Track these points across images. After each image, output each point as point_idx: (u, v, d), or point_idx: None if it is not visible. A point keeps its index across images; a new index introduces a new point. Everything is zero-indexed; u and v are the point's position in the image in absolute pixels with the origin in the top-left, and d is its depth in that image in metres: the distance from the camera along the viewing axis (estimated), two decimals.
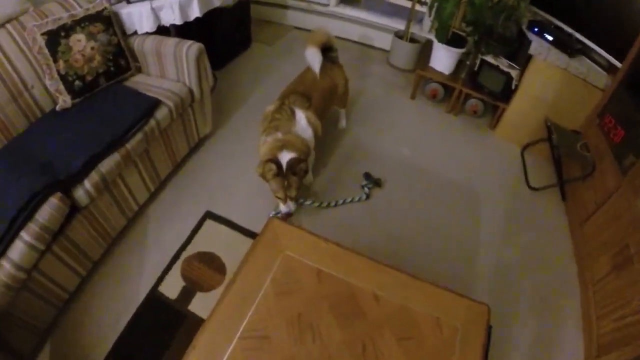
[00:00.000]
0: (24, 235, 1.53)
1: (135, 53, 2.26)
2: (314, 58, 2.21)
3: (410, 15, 3.04)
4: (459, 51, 2.75)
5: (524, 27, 2.53)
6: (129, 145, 1.90)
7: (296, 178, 1.90)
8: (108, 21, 2.05)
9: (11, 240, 1.52)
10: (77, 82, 1.98)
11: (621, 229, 1.78)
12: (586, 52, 2.35)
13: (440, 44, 2.76)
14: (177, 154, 2.36)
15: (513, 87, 2.53)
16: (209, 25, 2.85)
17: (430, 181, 2.48)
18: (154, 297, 1.91)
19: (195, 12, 2.39)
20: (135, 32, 2.28)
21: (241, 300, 1.27)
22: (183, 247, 2.10)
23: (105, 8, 2.05)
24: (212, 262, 2.03)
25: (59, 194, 1.62)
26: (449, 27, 2.67)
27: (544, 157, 2.58)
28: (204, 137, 2.62)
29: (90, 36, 1.97)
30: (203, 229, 2.18)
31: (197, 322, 1.81)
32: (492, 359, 1.34)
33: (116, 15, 2.16)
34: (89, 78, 2.02)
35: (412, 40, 3.21)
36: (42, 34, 1.86)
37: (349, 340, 1.18)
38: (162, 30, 2.34)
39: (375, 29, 3.52)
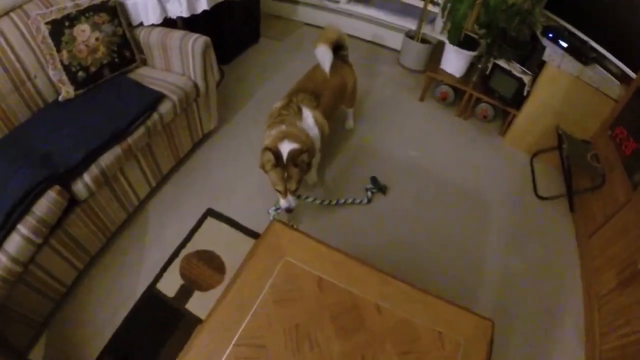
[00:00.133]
0: (21, 228, 1.51)
1: (140, 45, 2.22)
2: (324, 56, 2.16)
3: (422, 15, 2.98)
4: (471, 54, 2.70)
5: (538, 32, 2.47)
6: (130, 139, 1.87)
7: (297, 170, 1.81)
8: (113, 11, 2.01)
9: (8, 233, 1.50)
10: (80, 73, 1.95)
11: (629, 244, 1.73)
12: (600, 60, 2.28)
13: (452, 46, 2.70)
14: (180, 149, 2.33)
15: (525, 93, 2.48)
16: (217, 18, 2.80)
17: (437, 186, 2.43)
18: (152, 295, 1.89)
19: (202, 5, 2.34)
20: (142, 24, 2.24)
21: (239, 306, 1.24)
22: (183, 244, 2.07)
23: None
24: (211, 261, 2.01)
25: (57, 187, 1.60)
26: (462, 29, 2.62)
27: (553, 166, 2.53)
28: (208, 132, 2.58)
29: (95, 26, 1.94)
30: (204, 227, 2.15)
31: (194, 322, 1.79)
32: None
33: (122, 5, 2.12)
34: (92, 69, 1.98)
35: (424, 40, 3.15)
36: (46, 23, 1.82)
37: (348, 353, 1.15)
38: (169, 23, 2.30)
39: (386, 28, 3.47)
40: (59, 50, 1.87)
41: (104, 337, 1.76)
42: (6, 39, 1.84)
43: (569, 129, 2.35)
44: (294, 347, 1.14)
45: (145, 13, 2.18)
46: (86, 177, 1.70)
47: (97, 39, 1.95)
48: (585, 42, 2.31)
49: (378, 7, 3.44)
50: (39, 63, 1.95)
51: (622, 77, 2.20)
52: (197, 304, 1.85)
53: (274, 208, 2.09)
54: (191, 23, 2.58)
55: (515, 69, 2.49)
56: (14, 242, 1.49)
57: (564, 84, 2.32)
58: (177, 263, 2.00)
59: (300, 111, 1.98)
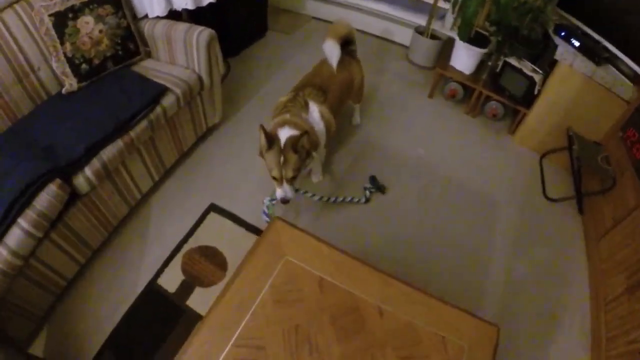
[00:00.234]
0: (22, 222, 1.50)
1: (145, 37, 2.20)
2: (332, 51, 2.12)
3: (432, 11, 2.93)
4: (481, 51, 2.65)
5: (550, 31, 2.41)
6: (133, 133, 1.85)
7: (296, 156, 1.72)
8: (117, 3, 1.98)
9: (8, 227, 1.49)
10: (83, 65, 1.93)
11: (638, 249, 1.70)
12: (613, 61, 2.22)
13: (462, 43, 2.65)
14: (183, 143, 2.31)
15: (536, 92, 2.43)
16: (223, 11, 2.77)
17: (443, 185, 2.39)
18: (153, 290, 1.88)
19: None
20: (147, 16, 2.21)
21: (238, 305, 1.21)
22: (185, 239, 2.06)
23: None
24: (213, 257, 1.99)
25: (58, 181, 1.58)
26: (472, 26, 2.56)
27: (562, 167, 2.48)
28: (212, 126, 2.56)
29: (99, 18, 1.91)
30: (206, 222, 2.14)
31: (194, 318, 1.78)
32: None
33: None
34: (96, 61, 1.96)
35: (433, 37, 3.10)
36: (50, 15, 1.80)
37: (347, 357, 1.12)
38: (175, 15, 2.27)
39: (395, 23, 3.41)
40: (62, 43, 1.85)
41: (104, 331, 1.76)
42: (10, 31, 1.82)
43: (580, 130, 2.30)
44: (292, 350, 1.12)
45: (150, 5, 2.15)
46: (87, 170, 1.69)
47: (100, 31, 1.93)
48: (598, 42, 2.25)
49: (388, 1, 3.38)
50: (42, 55, 1.93)
51: (635, 79, 2.14)
52: (198, 300, 1.84)
53: (269, 198, 1.94)
54: (197, 15, 2.55)
55: (526, 67, 2.44)
56: (15, 236, 1.48)
57: (575, 84, 2.26)
58: (178, 258, 1.98)
59: (306, 105, 1.95)
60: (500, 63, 2.59)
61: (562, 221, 2.26)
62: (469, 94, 2.83)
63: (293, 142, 1.72)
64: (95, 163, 1.72)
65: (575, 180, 2.29)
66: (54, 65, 1.91)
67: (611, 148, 2.20)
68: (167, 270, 1.94)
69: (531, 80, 2.41)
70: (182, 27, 2.09)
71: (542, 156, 2.55)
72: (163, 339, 1.74)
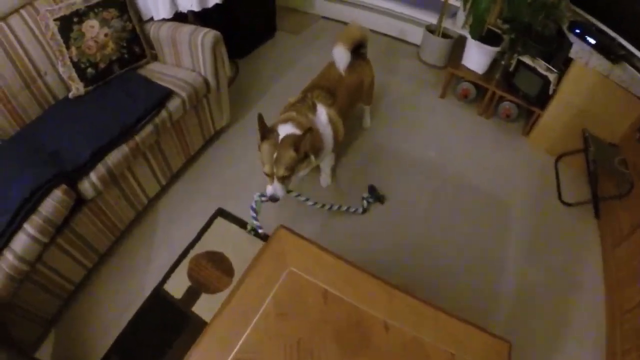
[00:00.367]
0: (28, 227, 1.50)
1: (151, 40, 2.18)
2: (341, 58, 2.05)
3: (443, 9, 2.86)
4: (494, 49, 2.58)
5: (564, 28, 2.33)
6: (138, 137, 1.84)
7: (292, 155, 1.66)
8: (122, 6, 1.97)
9: (14, 232, 1.49)
10: (89, 70, 1.92)
11: None
12: (630, 59, 2.13)
13: (474, 41, 2.58)
14: (190, 147, 2.29)
15: (550, 91, 2.35)
16: (230, 11, 2.74)
17: (455, 188, 2.34)
18: (159, 295, 1.87)
19: None
20: (152, 19, 2.20)
21: (240, 316, 1.19)
22: (192, 244, 2.05)
23: None
24: (220, 263, 1.97)
25: (63, 187, 1.58)
26: (484, 23, 2.49)
27: (578, 170, 2.40)
28: (220, 129, 2.53)
29: (104, 22, 1.90)
30: (213, 227, 2.12)
31: (200, 324, 1.77)
32: None
33: (131, 0, 2.07)
34: (101, 65, 1.95)
35: (445, 35, 3.03)
36: (55, 20, 1.80)
37: None
38: (181, 17, 2.25)
39: (405, 22, 3.35)
40: (68, 47, 1.85)
41: (111, 336, 1.76)
42: (16, 36, 1.83)
43: (596, 131, 2.22)
44: None
45: (155, 7, 2.13)
46: (93, 176, 1.68)
47: (106, 35, 1.92)
48: (613, 39, 2.17)
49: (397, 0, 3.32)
50: (49, 60, 1.93)
51: None
52: (204, 306, 1.83)
53: (259, 194, 1.84)
54: (203, 17, 2.52)
55: (541, 66, 2.36)
56: (21, 241, 1.48)
57: (591, 83, 2.19)
58: (185, 264, 1.97)
59: (314, 107, 1.91)
60: (514, 62, 2.51)
61: (578, 226, 2.19)
62: (482, 94, 2.76)
63: (292, 140, 1.67)
64: (101, 168, 1.71)
65: (591, 184, 2.21)
66: (61, 69, 1.90)
67: (628, 150, 2.12)
68: (173, 275, 1.93)
69: (545, 80, 2.34)
70: (187, 29, 2.07)
71: (557, 158, 2.47)
72: (169, 345, 1.73)
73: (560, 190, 2.32)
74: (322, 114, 1.91)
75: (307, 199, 2.02)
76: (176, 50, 2.15)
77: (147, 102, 1.87)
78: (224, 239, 2.07)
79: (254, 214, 1.85)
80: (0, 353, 1.32)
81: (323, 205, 2.08)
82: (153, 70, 2.14)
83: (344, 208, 2.12)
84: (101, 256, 1.92)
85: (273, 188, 1.72)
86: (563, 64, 2.32)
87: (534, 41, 2.38)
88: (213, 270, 1.94)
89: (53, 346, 1.75)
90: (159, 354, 1.70)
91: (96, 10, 1.88)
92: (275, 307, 1.20)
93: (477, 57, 2.69)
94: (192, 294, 1.87)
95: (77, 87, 1.93)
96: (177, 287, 1.89)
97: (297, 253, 1.32)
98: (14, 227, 1.49)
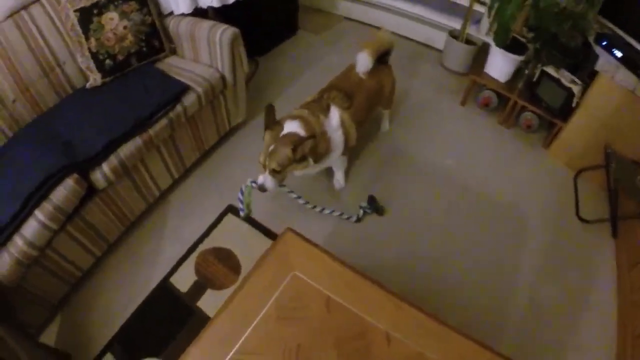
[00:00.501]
0: (38, 214, 1.52)
1: (170, 34, 2.19)
2: (363, 63, 2.02)
3: (467, 15, 2.80)
4: (518, 58, 2.51)
5: (590, 39, 2.25)
6: (152, 131, 1.85)
7: (287, 152, 1.65)
8: (142, 0, 1.98)
9: (25, 218, 1.52)
10: (107, 61, 1.94)
11: None
12: None
13: (498, 49, 2.52)
14: (205, 142, 2.30)
15: (573, 104, 2.28)
16: (252, 9, 2.73)
17: (471, 198, 2.28)
18: (165, 288, 1.88)
19: None
20: (172, 13, 2.20)
21: (241, 317, 1.18)
22: (200, 239, 2.05)
23: None
24: (227, 260, 1.97)
25: (75, 176, 1.60)
26: (509, 31, 2.43)
27: (598, 186, 2.32)
28: (236, 125, 2.52)
29: (123, 15, 1.91)
30: (223, 224, 2.12)
31: (204, 319, 1.77)
32: None
33: None
34: (120, 57, 1.97)
35: (468, 41, 2.97)
36: (75, 11, 1.82)
37: None
38: (201, 12, 2.25)
39: (429, 26, 3.28)
40: (87, 38, 1.86)
41: (115, 324, 1.78)
42: (37, 25, 1.85)
43: (619, 148, 2.14)
44: None
45: (175, 2, 2.13)
46: (105, 166, 1.70)
47: (125, 28, 1.93)
48: None
49: (422, 3, 3.26)
50: (68, 50, 1.95)
51: None
52: (209, 302, 1.83)
53: (251, 180, 1.82)
54: (224, 13, 2.52)
55: (565, 77, 2.29)
56: (31, 228, 1.51)
57: (616, 98, 2.11)
58: (192, 258, 1.98)
59: (328, 108, 1.88)
60: (538, 72, 2.44)
61: (594, 244, 2.11)
62: (504, 103, 2.69)
63: (293, 139, 1.67)
64: (113, 160, 1.72)
65: (610, 202, 2.14)
66: (79, 60, 1.92)
67: None
68: (180, 269, 1.94)
69: (569, 92, 2.27)
70: (206, 25, 2.07)
71: (577, 173, 2.40)
72: (172, 338, 1.74)
73: (579, 206, 2.25)
74: (335, 117, 1.88)
75: (299, 197, 2.01)
76: (195, 46, 2.15)
77: (162, 96, 1.88)
78: (233, 236, 2.07)
79: (241, 197, 1.84)
80: (7, 336, 1.33)
81: (314, 207, 2.07)
82: (171, 65, 2.14)
83: (337, 213, 2.10)
84: (110, 245, 1.94)
85: (263, 178, 1.74)
86: (588, 76, 2.25)
87: (559, 52, 2.30)
88: (220, 267, 1.94)
89: (58, 331, 1.78)
90: (162, 345, 1.71)
91: (116, 3, 1.89)
92: (277, 310, 1.19)
93: (500, 65, 2.62)
94: (198, 289, 1.87)
95: (95, 78, 1.94)
96: (184, 281, 1.90)
97: (303, 257, 1.31)
98: (24, 213, 1.51)
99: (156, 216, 2.14)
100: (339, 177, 2.25)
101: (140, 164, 1.90)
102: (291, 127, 1.73)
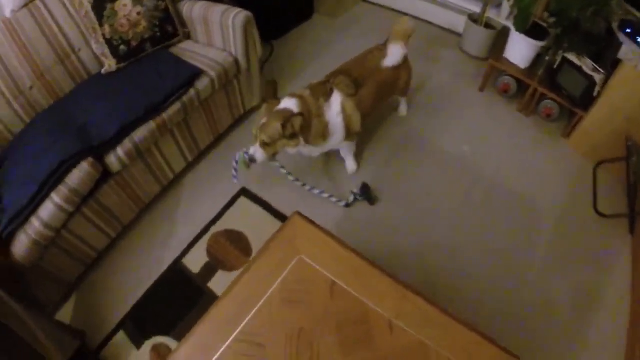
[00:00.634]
0: (54, 196, 1.57)
1: (184, 19, 2.19)
2: (398, 55, 2.02)
3: None
4: (539, 44, 2.43)
5: (614, 26, 2.15)
6: (165, 115, 1.87)
7: (277, 127, 1.68)
8: None
9: (42, 201, 1.56)
10: (122, 47, 1.96)
11: None
12: None
13: (518, 34, 2.44)
14: (219, 126, 2.31)
15: (595, 93, 2.20)
16: None
17: (487, 187, 2.24)
18: (177, 269, 1.93)
19: None
20: None
21: (245, 299, 1.20)
22: (213, 222, 2.09)
23: None
24: (238, 242, 2.00)
25: (90, 160, 1.64)
26: (530, 16, 2.35)
27: (618, 179, 2.24)
28: (250, 109, 2.53)
29: (137, 1, 1.93)
30: (236, 206, 2.15)
31: (214, 300, 1.78)
32: None
33: None
34: (134, 43, 1.98)
35: (488, 25, 2.89)
36: None
37: None
38: None
39: (448, 9, 3.20)
40: (101, 25, 1.89)
41: (128, 303, 1.83)
42: (51, 13, 1.89)
43: None
44: (292, 353, 1.09)
45: None
46: (120, 150, 1.73)
47: (138, 14, 1.94)
48: None
49: None
50: (83, 37, 1.99)
51: None
52: (220, 283, 1.87)
53: (244, 150, 1.83)
54: None
55: (587, 65, 2.21)
56: (47, 210, 1.56)
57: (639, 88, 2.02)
58: (205, 240, 2.01)
59: (330, 93, 1.84)
60: (559, 59, 2.36)
61: (610, 240, 2.05)
62: (523, 90, 2.61)
63: (284, 115, 1.69)
64: (127, 143, 1.75)
65: (629, 196, 2.07)
66: (94, 46, 1.95)
67: None
68: (192, 250, 1.98)
69: (591, 80, 2.19)
70: (219, 9, 2.06)
71: (597, 165, 2.32)
72: (182, 318, 1.79)
73: (597, 199, 2.19)
74: (336, 103, 1.85)
75: (289, 174, 2.03)
76: (208, 30, 2.15)
77: (176, 80, 1.89)
78: (245, 219, 2.09)
79: (235, 165, 1.87)
80: (24, 313, 1.38)
81: (304, 185, 2.09)
82: (185, 49, 2.15)
83: (326, 195, 2.10)
84: (125, 227, 1.99)
85: (254, 149, 1.77)
86: (611, 65, 2.16)
87: (582, 38, 2.22)
88: (231, 249, 1.97)
89: (73, 309, 1.85)
90: (173, 324, 1.77)
91: None
92: (281, 293, 1.20)
93: (520, 51, 2.54)
94: (209, 270, 1.91)
95: (110, 64, 1.97)
96: (196, 262, 1.94)
97: (309, 241, 1.31)
98: (42, 195, 1.56)
99: (170, 199, 2.18)
100: (349, 163, 2.24)
101: (155, 148, 1.92)
102: (287, 104, 1.74)
